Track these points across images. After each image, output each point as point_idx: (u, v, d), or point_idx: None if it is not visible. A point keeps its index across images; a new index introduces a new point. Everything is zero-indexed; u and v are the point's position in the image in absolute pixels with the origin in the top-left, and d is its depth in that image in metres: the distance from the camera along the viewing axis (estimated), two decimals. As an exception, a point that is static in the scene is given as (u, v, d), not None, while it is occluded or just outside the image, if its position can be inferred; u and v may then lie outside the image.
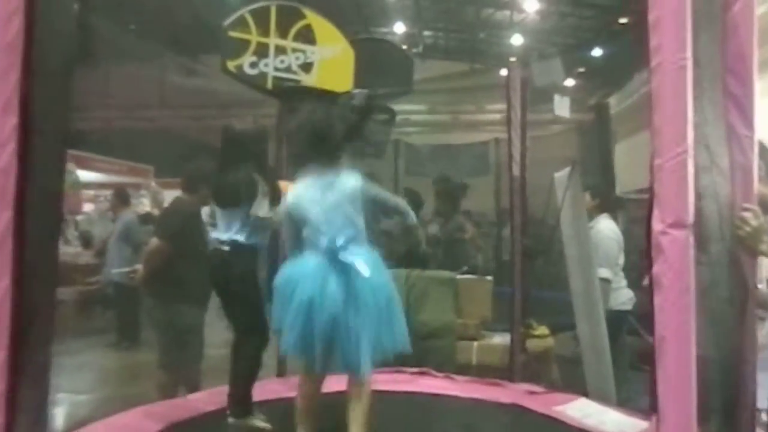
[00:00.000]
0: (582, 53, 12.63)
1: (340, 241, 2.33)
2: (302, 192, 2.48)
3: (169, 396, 3.60)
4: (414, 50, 12.03)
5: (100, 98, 11.73)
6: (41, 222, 2.37)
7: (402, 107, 13.05)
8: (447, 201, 5.04)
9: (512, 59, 3.79)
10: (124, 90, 11.57)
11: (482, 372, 3.86)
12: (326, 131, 2.50)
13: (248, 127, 3.00)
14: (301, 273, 2.38)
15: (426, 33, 13.07)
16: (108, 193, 11.66)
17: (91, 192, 11.26)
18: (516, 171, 3.60)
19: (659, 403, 1.51)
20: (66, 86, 2.32)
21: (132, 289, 6.53)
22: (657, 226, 1.46)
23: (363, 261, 2.30)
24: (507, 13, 12.11)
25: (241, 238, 2.80)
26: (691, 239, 1.44)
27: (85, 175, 10.23)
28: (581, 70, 13.16)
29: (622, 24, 11.16)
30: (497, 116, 11.81)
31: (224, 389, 3.03)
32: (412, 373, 3.77)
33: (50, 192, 2.38)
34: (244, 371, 2.90)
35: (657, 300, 1.47)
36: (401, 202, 2.71)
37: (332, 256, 2.32)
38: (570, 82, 12.18)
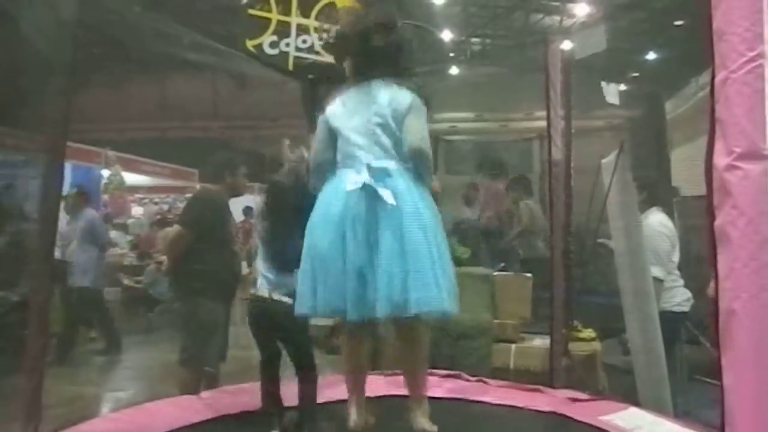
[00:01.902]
0: (635, 57, 12.14)
1: (374, 163, 1.99)
2: (342, 102, 2.15)
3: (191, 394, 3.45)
4: (461, 58, 11.81)
5: (151, 106, 12.06)
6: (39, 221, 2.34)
7: (448, 114, 12.93)
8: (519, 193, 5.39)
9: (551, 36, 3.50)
10: (175, 99, 11.85)
11: (520, 377, 3.53)
12: (382, 36, 2.12)
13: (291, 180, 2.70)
14: (325, 214, 2.03)
15: (474, 40, 12.83)
16: (155, 196, 12.00)
17: (138, 195, 11.55)
18: (556, 155, 3.28)
19: (725, 405, 1.13)
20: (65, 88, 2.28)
21: (97, 292, 6.18)
22: (721, 160, 1.11)
23: (398, 189, 1.95)
24: (556, 18, 11.77)
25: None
26: (771, 174, 1.08)
27: (130, 177, 10.43)
28: (635, 74, 12.66)
29: (678, 26, 10.65)
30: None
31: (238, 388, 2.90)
32: (442, 376, 3.46)
33: (48, 192, 2.35)
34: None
35: (723, 261, 1.11)
36: (421, 146, 2.07)
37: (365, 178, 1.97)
38: (623, 87, 11.72)
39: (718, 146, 1.13)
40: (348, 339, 2.18)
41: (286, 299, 2.53)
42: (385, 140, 2.05)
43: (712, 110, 1.15)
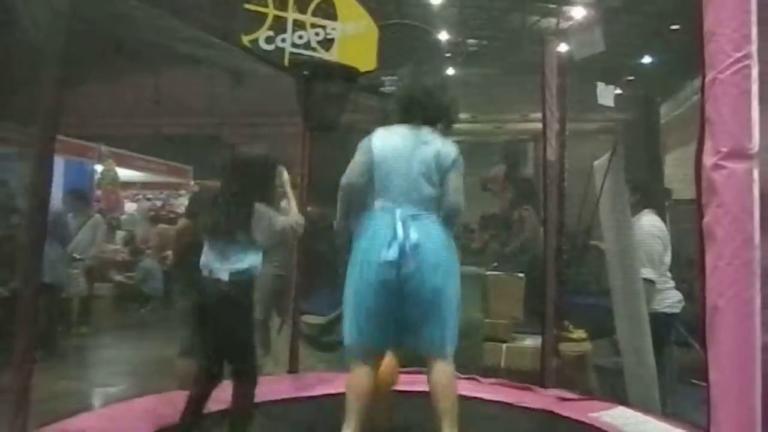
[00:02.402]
0: (631, 61, 12.20)
1: (408, 211, 2.17)
2: (390, 138, 2.25)
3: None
4: (457, 58, 11.84)
5: (145, 102, 11.99)
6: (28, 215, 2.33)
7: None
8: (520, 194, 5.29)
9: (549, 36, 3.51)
10: (170, 94, 11.78)
11: (511, 376, 3.55)
12: (436, 87, 2.32)
13: (255, 153, 2.68)
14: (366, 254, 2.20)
15: (470, 41, 12.84)
16: (148, 192, 11.96)
17: (132, 191, 11.51)
18: (551, 155, 3.30)
19: (710, 399, 1.15)
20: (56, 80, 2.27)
21: (55, 290, 5.71)
22: (708, 159, 1.13)
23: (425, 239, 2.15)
24: (553, 20, 11.80)
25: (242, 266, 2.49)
26: (756, 174, 1.10)
27: (124, 173, 10.38)
28: (630, 78, 12.72)
29: (673, 30, 10.70)
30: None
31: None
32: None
33: (37, 186, 2.34)
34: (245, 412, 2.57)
35: (709, 259, 1.13)
36: (459, 204, 2.30)
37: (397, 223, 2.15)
38: (618, 91, 11.73)
39: (707, 146, 1.15)
40: (362, 364, 2.28)
41: (224, 278, 2.42)
42: (424, 189, 2.20)
43: (702, 110, 1.16)
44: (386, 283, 2.14)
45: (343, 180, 2.27)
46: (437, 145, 2.21)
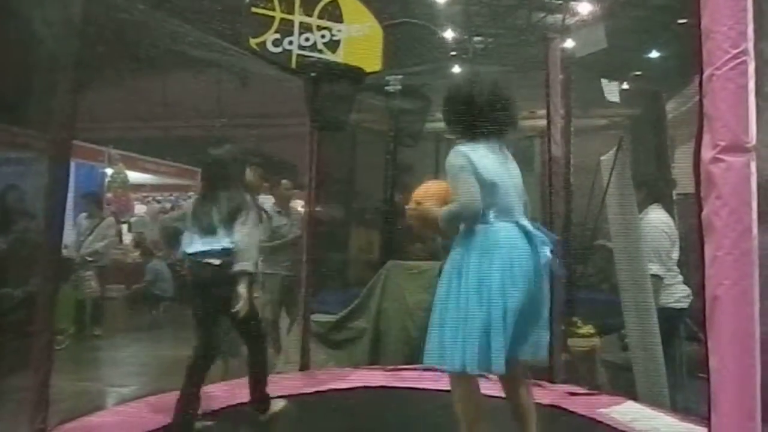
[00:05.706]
0: (637, 55, 12.13)
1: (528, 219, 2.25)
2: (482, 155, 2.19)
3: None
4: (463, 56, 11.83)
5: (154, 105, 12.04)
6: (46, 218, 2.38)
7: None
8: None
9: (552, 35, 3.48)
10: (179, 97, 11.82)
11: (520, 372, 3.55)
12: (508, 102, 2.35)
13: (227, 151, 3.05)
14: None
15: (475, 39, 12.83)
16: (157, 194, 12.03)
17: (142, 194, 11.59)
18: (556, 152, 3.32)
19: (710, 390, 1.18)
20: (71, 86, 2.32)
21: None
22: (707, 153, 1.17)
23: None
24: (558, 16, 11.77)
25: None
26: (753, 166, 1.13)
27: (133, 176, 10.45)
28: (637, 73, 12.65)
29: (681, 24, 10.64)
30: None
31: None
32: (442, 371, 3.51)
33: (54, 190, 2.39)
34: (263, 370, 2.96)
35: (708, 250, 1.16)
36: None
37: (527, 231, 2.20)
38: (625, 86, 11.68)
39: (705, 140, 1.18)
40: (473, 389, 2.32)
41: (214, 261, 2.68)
42: (521, 197, 2.30)
43: (701, 106, 1.20)
44: None
45: (464, 206, 2.18)
46: (512, 157, 2.35)
